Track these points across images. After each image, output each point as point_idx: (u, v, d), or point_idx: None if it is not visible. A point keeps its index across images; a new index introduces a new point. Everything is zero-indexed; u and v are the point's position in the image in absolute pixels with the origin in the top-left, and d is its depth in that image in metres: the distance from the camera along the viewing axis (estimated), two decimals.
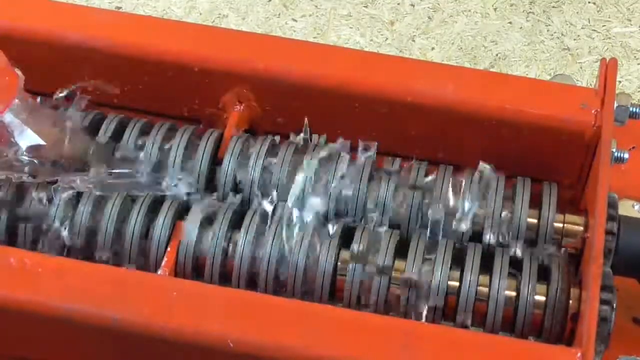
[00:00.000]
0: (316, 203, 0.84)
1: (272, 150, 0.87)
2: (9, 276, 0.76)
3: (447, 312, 0.80)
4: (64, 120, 0.85)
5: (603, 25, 1.68)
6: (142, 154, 0.87)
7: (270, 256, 0.81)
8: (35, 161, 0.81)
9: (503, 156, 0.89)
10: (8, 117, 0.78)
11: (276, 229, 0.81)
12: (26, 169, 0.81)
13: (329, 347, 0.72)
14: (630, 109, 0.88)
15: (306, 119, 0.91)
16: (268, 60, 0.91)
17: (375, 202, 0.85)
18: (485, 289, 0.79)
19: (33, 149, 0.81)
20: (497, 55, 1.63)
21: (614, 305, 0.75)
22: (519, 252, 0.82)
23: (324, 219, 0.83)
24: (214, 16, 1.70)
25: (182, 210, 0.84)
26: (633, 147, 0.98)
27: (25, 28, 0.93)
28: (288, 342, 0.72)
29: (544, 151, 0.89)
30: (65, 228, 0.83)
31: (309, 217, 0.83)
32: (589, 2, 1.71)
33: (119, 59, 0.92)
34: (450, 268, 0.80)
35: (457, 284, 0.79)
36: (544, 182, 0.87)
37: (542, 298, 0.78)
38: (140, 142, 0.88)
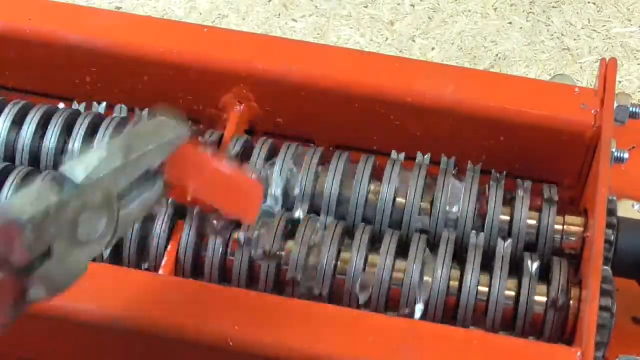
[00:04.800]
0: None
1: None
2: None
3: (447, 311, 0.80)
4: None
5: (603, 25, 1.68)
6: None
7: (269, 255, 0.81)
8: None
9: (503, 156, 0.89)
10: None
11: (276, 229, 0.81)
12: None
13: (329, 347, 0.72)
14: (630, 108, 0.88)
15: None
16: (268, 60, 0.91)
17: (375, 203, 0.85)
18: (485, 289, 0.79)
19: None
20: (497, 55, 1.63)
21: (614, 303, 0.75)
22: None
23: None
24: (214, 16, 1.69)
25: (182, 210, 0.84)
26: (633, 147, 0.98)
27: (25, 28, 0.93)
28: (288, 341, 0.73)
29: (544, 151, 0.89)
30: None
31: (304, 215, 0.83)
32: (589, 2, 1.71)
33: (119, 59, 0.92)
34: (451, 267, 0.80)
35: (457, 283, 0.79)
36: (543, 184, 0.87)
37: (543, 298, 0.78)
38: None
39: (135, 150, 0.61)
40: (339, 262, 0.81)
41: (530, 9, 1.70)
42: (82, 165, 0.58)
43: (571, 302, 0.78)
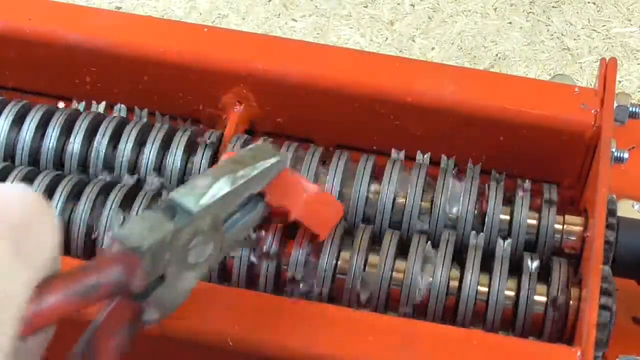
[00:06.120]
0: None
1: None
2: None
3: (446, 312, 0.80)
4: None
5: (603, 25, 1.68)
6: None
7: (269, 256, 0.81)
8: None
9: (503, 156, 0.89)
10: None
11: (275, 229, 0.81)
12: None
13: (329, 347, 0.72)
14: (630, 108, 0.88)
15: None
16: (268, 60, 0.91)
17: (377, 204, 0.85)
18: (485, 289, 0.79)
19: None
20: (497, 55, 1.63)
21: (614, 300, 0.75)
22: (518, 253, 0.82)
23: None
24: (214, 16, 1.70)
25: None
26: (633, 147, 0.98)
27: (25, 28, 0.93)
28: (288, 341, 0.73)
29: (544, 151, 0.89)
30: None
31: None
32: (589, 2, 1.71)
33: (119, 59, 0.92)
34: (451, 268, 0.80)
35: (457, 283, 0.79)
36: (543, 184, 0.87)
37: (543, 298, 0.79)
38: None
39: (241, 177, 0.65)
40: (339, 262, 0.81)
41: (530, 9, 1.70)
42: (193, 193, 0.61)
43: (571, 302, 0.78)
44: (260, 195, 0.67)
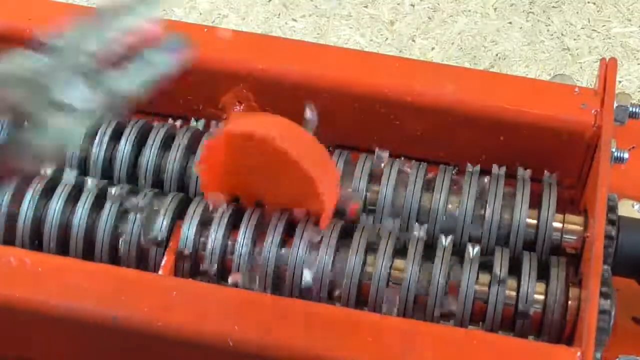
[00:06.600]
0: None
1: None
2: (8, 275, 0.76)
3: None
4: None
5: (603, 25, 1.68)
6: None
7: (269, 256, 0.81)
8: None
9: (503, 156, 0.89)
10: None
11: (274, 232, 0.81)
12: None
13: (329, 347, 0.72)
14: (630, 108, 0.88)
15: None
16: (268, 60, 0.91)
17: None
18: (485, 289, 0.79)
19: None
20: (497, 55, 1.63)
21: (614, 301, 0.75)
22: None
23: None
24: (214, 16, 1.69)
25: (182, 210, 0.84)
26: (633, 147, 0.98)
27: (25, 28, 0.93)
28: (288, 342, 0.73)
29: (544, 151, 0.89)
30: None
31: None
32: (589, 2, 1.71)
33: None
34: (450, 267, 0.80)
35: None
36: (544, 178, 0.87)
37: (542, 297, 0.78)
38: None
39: (107, 12, 0.62)
40: (337, 262, 0.81)
41: (530, 9, 1.70)
42: (59, 32, 0.59)
43: (571, 302, 0.78)
44: (169, 49, 0.64)
